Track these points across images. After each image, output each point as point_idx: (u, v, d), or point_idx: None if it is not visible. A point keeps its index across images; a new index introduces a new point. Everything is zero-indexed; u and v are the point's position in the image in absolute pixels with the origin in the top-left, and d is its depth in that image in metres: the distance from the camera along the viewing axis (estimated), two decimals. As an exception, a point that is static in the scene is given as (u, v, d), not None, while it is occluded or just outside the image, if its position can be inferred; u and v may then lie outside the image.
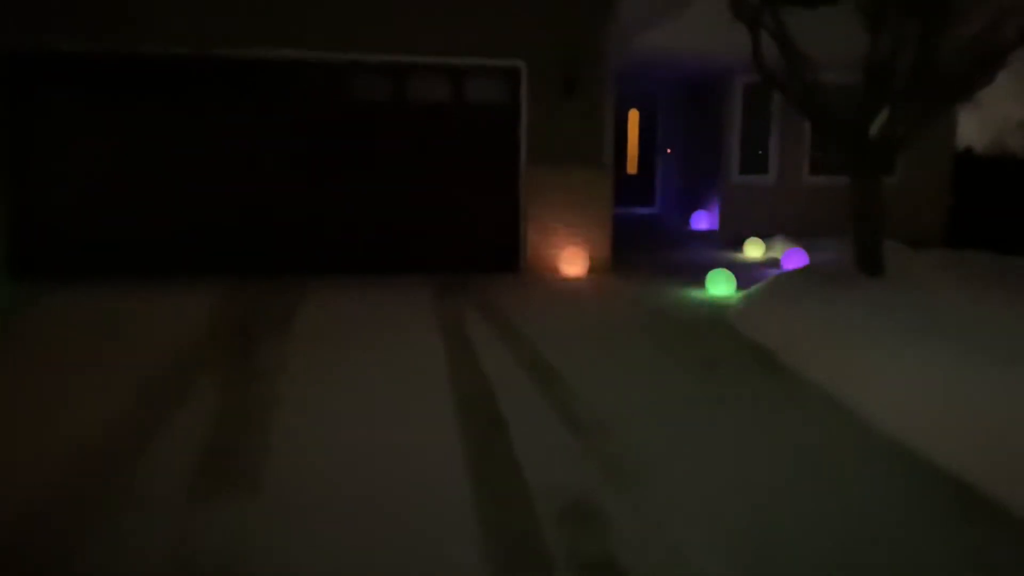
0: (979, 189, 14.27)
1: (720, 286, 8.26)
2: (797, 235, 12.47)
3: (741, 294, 7.98)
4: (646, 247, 12.41)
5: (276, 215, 9.34)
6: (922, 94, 7.17)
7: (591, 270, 9.59)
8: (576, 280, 9.27)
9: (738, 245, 12.36)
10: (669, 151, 15.04)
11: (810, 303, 6.62)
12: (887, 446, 4.41)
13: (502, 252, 9.69)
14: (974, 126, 18.28)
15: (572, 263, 9.46)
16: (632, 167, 15.42)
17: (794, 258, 10.07)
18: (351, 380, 5.28)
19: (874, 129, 7.60)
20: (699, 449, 4.33)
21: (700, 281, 8.96)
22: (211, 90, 9.11)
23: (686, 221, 14.15)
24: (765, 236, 12.44)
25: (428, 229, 9.58)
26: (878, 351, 5.32)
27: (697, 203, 14.16)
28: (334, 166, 9.38)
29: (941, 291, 6.75)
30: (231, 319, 7.04)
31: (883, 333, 5.52)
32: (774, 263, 10.81)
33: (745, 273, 9.85)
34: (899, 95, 7.31)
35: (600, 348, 6.22)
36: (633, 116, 15.18)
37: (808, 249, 10.95)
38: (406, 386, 5.18)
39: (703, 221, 13.71)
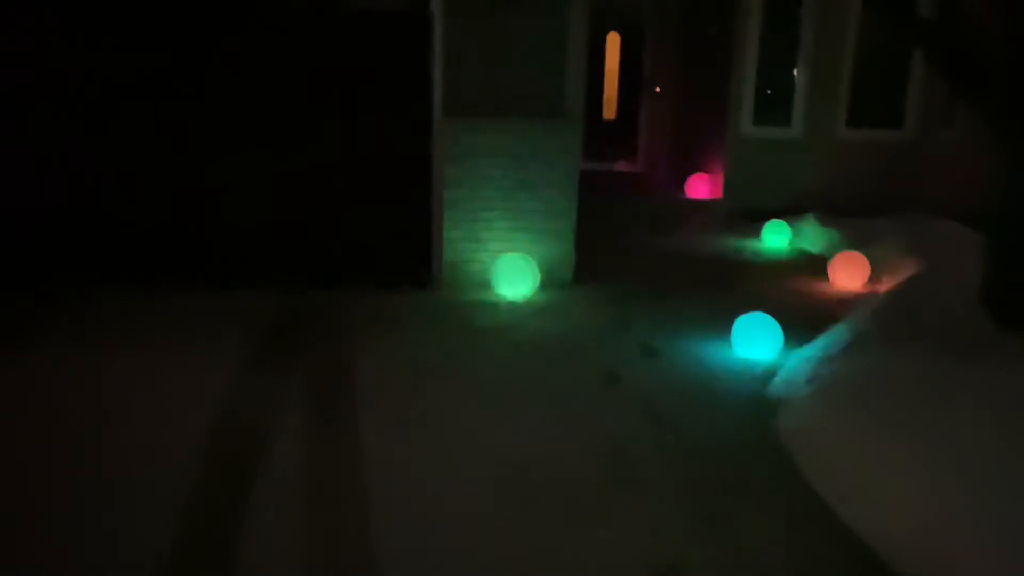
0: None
1: (755, 347, 4.85)
2: (831, 210, 9.12)
3: (791, 364, 4.58)
4: (623, 225, 8.98)
5: (20, 183, 5.73)
6: None
7: (544, 283, 6.14)
8: (519, 306, 5.82)
9: (750, 224, 8.98)
10: (658, 90, 11.45)
11: (971, 448, 3.25)
12: None
13: (403, 256, 6.17)
14: None
15: (513, 278, 5.99)
16: (609, 111, 11.85)
17: (849, 267, 6.67)
18: None
19: None
20: None
21: (711, 311, 5.59)
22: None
23: (679, 185, 10.68)
24: (789, 212, 9.06)
25: (281, 216, 6.00)
26: None
27: (694, 162, 10.68)
28: (129, 112, 5.74)
29: None
30: None
31: None
32: (813, 264, 7.43)
33: (774, 289, 6.48)
34: None
35: None
36: (612, 42, 11.52)
37: (857, 237, 7.60)
38: None
39: (702, 187, 10.25)
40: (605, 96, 11.76)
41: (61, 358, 4.49)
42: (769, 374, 4.58)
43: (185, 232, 5.90)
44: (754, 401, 4.24)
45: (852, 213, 9.05)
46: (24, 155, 5.69)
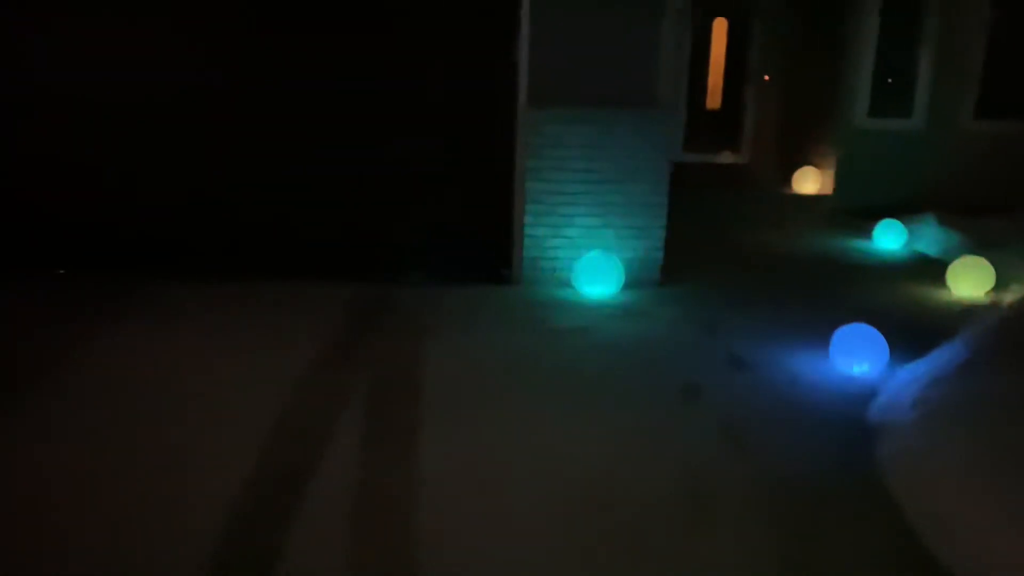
0: None
1: (856, 363, 4.40)
2: (954, 210, 8.36)
3: (896, 384, 4.13)
4: (722, 222, 8.53)
5: (79, 168, 5.80)
6: None
7: (630, 282, 5.83)
8: (601, 307, 5.56)
9: (863, 223, 8.36)
10: (767, 79, 10.86)
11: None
12: None
13: (482, 252, 5.98)
14: None
15: (596, 277, 5.72)
16: (714, 100, 11.34)
17: (971, 275, 6.06)
18: None
19: None
20: None
21: (811, 319, 5.15)
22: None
23: (786, 179, 10.10)
24: (906, 212, 8.37)
25: (360, 207, 5.87)
26: None
27: (804, 155, 10.06)
28: (190, 99, 5.71)
29: None
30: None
31: None
32: (930, 269, 6.82)
33: (884, 297, 5.96)
34: None
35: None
36: (719, 27, 11.02)
37: (981, 240, 6.94)
38: None
39: (812, 182, 9.65)
40: (710, 84, 11.25)
41: (137, 340, 4.55)
42: (870, 394, 4.15)
43: (266, 223, 5.90)
44: (851, 424, 3.83)
45: (977, 213, 8.29)
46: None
